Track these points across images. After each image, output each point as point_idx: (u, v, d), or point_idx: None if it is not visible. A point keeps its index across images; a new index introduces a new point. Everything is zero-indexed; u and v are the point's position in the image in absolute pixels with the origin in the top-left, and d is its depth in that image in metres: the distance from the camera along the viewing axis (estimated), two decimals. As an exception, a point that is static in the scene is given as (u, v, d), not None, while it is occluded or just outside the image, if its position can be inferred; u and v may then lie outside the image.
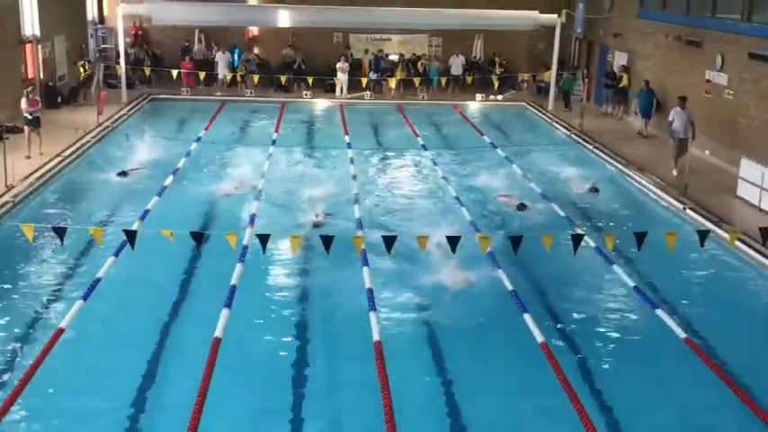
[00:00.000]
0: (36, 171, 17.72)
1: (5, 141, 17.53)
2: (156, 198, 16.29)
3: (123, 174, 18.36)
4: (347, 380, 9.63)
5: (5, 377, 9.39)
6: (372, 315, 10.78)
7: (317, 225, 14.66)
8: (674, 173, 18.67)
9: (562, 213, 16.03)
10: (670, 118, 19.28)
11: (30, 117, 19.28)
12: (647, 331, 11.07)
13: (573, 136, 24.13)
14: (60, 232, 10.41)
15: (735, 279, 13.46)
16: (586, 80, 27.85)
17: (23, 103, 19.38)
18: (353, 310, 11.25)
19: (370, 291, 11.64)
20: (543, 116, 27.63)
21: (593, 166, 20.82)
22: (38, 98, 20.66)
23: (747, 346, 10.86)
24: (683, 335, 10.63)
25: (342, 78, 30.06)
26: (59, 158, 19.12)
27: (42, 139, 19.49)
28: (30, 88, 20.51)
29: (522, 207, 16.33)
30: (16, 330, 10.61)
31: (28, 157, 18.48)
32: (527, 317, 10.94)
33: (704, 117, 20.42)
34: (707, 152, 20.35)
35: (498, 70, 31.15)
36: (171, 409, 8.80)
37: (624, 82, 26.60)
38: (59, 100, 26.08)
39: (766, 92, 18.42)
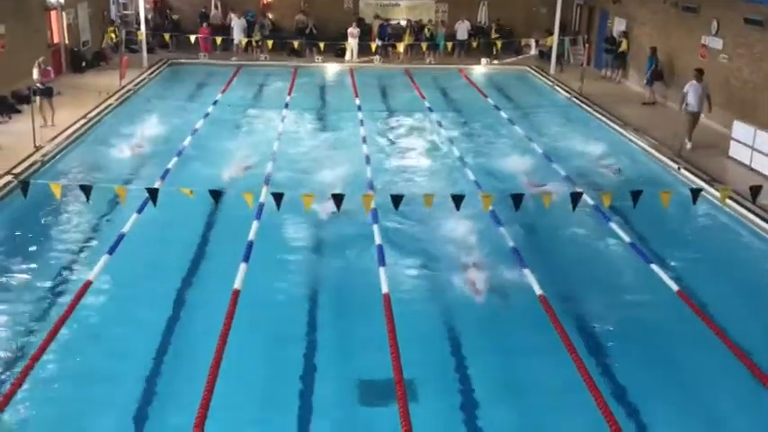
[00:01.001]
0: (63, 132, 17.78)
1: (32, 104, 17.54)
2: (175, 158, 16.32)
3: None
4: (357, 324, 9.81)
5: (36, 326, 9.52)
6: (382, 269, 10.88)
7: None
8: (688, 146, 17.60)
9: (562, 172, 15.98)
10: (685, 90, 17.92)
11: (42, 87, 18.38)
12: (642, 285, 11.13)
13: (573, 99, 23.96)
14: (87, 190, 10.45)
15: (725, 235, 13.48)
16: (587, 45, 27.57)
17: (35, 73, 18.63)
18: (364, 264, 11.34)
19: (380, 247, 11.71)
20: (545, 79, 27.39)
21: (591, 127, 20.73)
22: (50, 68, 19.78)
23: (735, 297, 10.91)
24: (675, 287, 10.68)
25: (352, 43, 29.87)
26: (84, 120, 19.14)
27: (55, 110, 18.55)
28: (41, 58, 19.50)
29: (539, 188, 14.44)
30: (47, 283, 10.74)
31: (42, 126, 17.56)
32: (526, 271, 11.01)
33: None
34: (701, 114, 20.19)
35: (494, 35, 30.78)
36: (192, 353, 8.97)
37: (623, 47, 26.31)
38: (83, 64, 26.05)
39: (760, 56, 18.23)
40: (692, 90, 17.72)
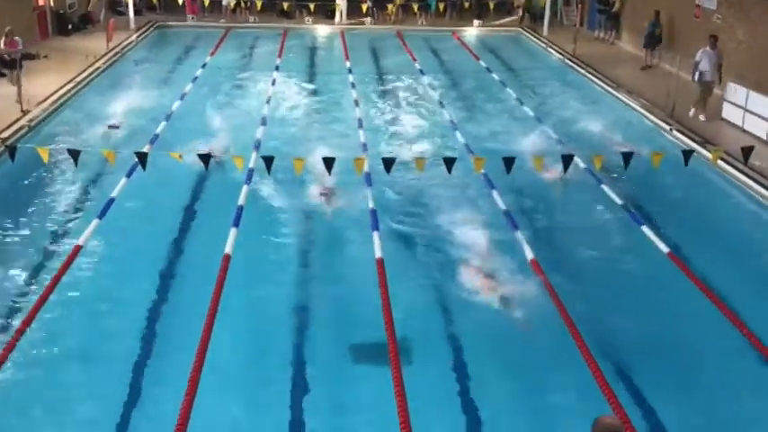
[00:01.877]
0: (51, 96, 17.61)
1: (21, 70, 17.32)
2: (164, 123, 16.21)
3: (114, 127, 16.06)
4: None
5: (31, 288, 9.52)
6: (375, 234, 10.91)
7: (324, 194, 12.51)
8: (702, 118, 16.83)
9: (554, 136, 15.96)
10: (697, 58, 16.81)
11: (8, 58, 17.36)
12: (633, 246, 11.16)
13: (566, 60, 23.82)
14: (74, 154, 10.38)
15: (717, 196, 13.52)
16: (580, 5, 27.34)
17: (1, 43, 17.70)
18: (358, 229, 11.36)
19: (374, 211, 11.72)
20: (537, 41, 27.20)
21: (583, 89, 20.66)
22: (17, 38, 18.04)
23: (726, 258, 10.95)
24: (666, 249, 10.74)
25: (341, 4, 29.54)
26: (72, 84, 18.95)
27: (23, 86, 16.67)
28: (8, 28, 17.83)
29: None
30: (38, 247, 10.71)
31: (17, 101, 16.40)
32: (518, 234, 11.04)
33: (693, 42, 20.09)
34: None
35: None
36: (183, 314, 9.03)
37: (617, 7, 26.09)
38: (70, 27, 25.72)
39: (754, 17, 18.11)
40: (705, 57, 16.71)
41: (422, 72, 22.05)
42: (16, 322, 8.61)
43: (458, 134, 16.02)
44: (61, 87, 18.47)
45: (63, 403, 7.54)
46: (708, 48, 16.74)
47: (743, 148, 10.83)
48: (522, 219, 11.77)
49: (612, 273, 10.44)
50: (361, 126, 16.40)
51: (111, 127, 15.92)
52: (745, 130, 16.04)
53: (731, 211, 12.98)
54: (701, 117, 16.91)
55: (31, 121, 15.87)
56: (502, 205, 12.16)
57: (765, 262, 10.98)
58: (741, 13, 18.64)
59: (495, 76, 21.62)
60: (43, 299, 9.04)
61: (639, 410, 7.48)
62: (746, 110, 16.19)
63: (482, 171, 12.15)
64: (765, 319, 9.03)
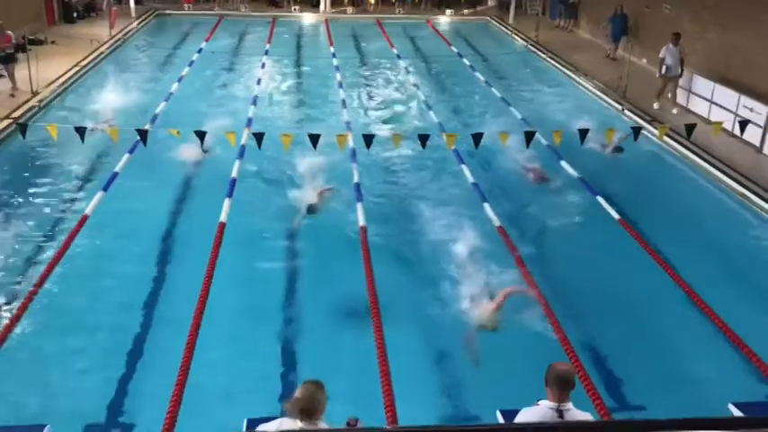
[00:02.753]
0: (58, 79, 17.33)
1: (29, 53, 16.98)
2: (163, 103, 16.01)
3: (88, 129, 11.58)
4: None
5: (40, 257, 9.44)
6: (359, 205, 10.91)
7: (311, 210, 10.97)
8: (674, 111, 16.26)
9: (518, 116, 15.94)
10: (661, 55, 16.25)
11: (2, 54, 15.86)
12: (587, 214, 11.21)
13: (529, 46, 23.75)
14: (81, 132, 10.23)
15: (663, 168, 13.65)
16: (542, -3, 27.26)
17: None
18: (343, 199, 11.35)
19: (357, 185, 11.69)
20: (504, 29, 27.07)
21: (545, 73, 20.64)
22: (9, 32, 16.14)
23: (671, 222, 11.08)
24: (617, 216, 10.83)
25: (326, -6, 29.28)
26: (78, 68, 18.64)
27: (16, 80, 15.87)
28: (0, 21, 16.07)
29: (542, 180, 12.50)
30: (47, 218, 10.62)
31: (11, 95, 15.73)
32: (486, 205, 11.08)
33: (644, 30, 20.14)
34: (644, 60, 20.14)
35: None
36: (183, 278, 8.99)
37: (575, -1, 26.10)
38: (75, 15, 25.26)
39: (698, 7, 18.09)
40: (669, 54, 16.20)
41: (399, 57, 21.89)
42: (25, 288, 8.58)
43: (431, 113, 15.96)
44: (68, 70, 18.19)
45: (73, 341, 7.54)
46: (670, 44, 16.17)
47: (686, 125, 10.89)
48: (488, 192, 11.76)
49: (567, 234, 10.52)
50: (344, 106, 16.28)
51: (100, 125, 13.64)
52: (689, 110, 16.13)
53: (674, 181, 13.10)
54: (674, 111, 16.25)
55: (40, 101, 15.62)
56: (471, 179, 12.16)
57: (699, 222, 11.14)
58: (687, 4, 18.61)
59: (465, 60, 21.51)
60: (53, 263, 8.98)
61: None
62: (691, 91, 16.28)
63: (453, 147, 12.12)
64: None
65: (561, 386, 4.67)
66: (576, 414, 4.71)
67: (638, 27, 19.84)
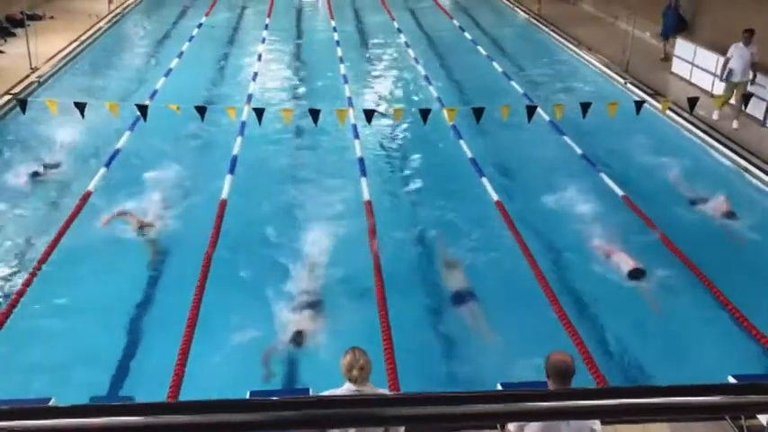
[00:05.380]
0: (58, 54, 17.24)
1: (27, 28, 16.88)
2: (163, 79, 15.95)
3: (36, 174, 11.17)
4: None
5: (45, 232, 9.47)
6: (363, 180, 10.91)
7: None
8: (735, 125, 13.45)
9: (520, 90, 15.85)
10: (728, 54, 13.54)
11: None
12: (593, 191, 11.07)
13: (531, 19, 23.56)
14: (81, 107, 10.21)
15: (665, 142, 13.53)
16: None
17: None
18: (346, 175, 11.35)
19: (361, 159, 11.69)
20: (507, 2, 26.82)
21: (547, 46, 20.49)
22: None
23: (671, 197, 11.04)
24: (620, 192, 10.80)
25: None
26: (77, 43, 18.53)
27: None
28: None
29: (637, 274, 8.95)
30: (51, 194, 10.62)
31: None
32: (484, 180, 11.07)
33: (647, 3, 19.90)
34: (647, 34, 19.99)
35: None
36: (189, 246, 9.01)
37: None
38: (73, -11, 25.03)
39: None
40: (736, 54, 13.43)
41: (399, 30, 21.74)
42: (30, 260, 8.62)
43: (431, 88, 15.89)
44: (68, 45, 18.08)
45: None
46: (741, 43, 13.35)
47: (689, 99, 10.83)
48: (488, 167, 11.74)
49: (570, 211, 10.49)
50: (346, 82, 16.21)
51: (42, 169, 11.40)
52: (692, 83, 16.05)
53: (678, 154, 12.96)
54: (734, 125, 13.49)
55: (40, 77, 15.56)
56: (469, 153, 12.14)
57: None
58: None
59: (467, 34, 21.36)
60: (59, 236, 9.02)
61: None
62: (694, 64, 16.18)
63: (453, 122, 12.11)
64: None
65: (561, 378, 4.70)
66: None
67: (646, 3, 19.51)
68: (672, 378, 6.65)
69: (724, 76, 13.77)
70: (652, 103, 14.00)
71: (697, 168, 12.08)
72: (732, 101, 13.71)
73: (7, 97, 13.94)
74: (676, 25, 17.61)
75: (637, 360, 7.39)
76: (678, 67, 16.81)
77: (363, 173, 11.18)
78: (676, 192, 11.10)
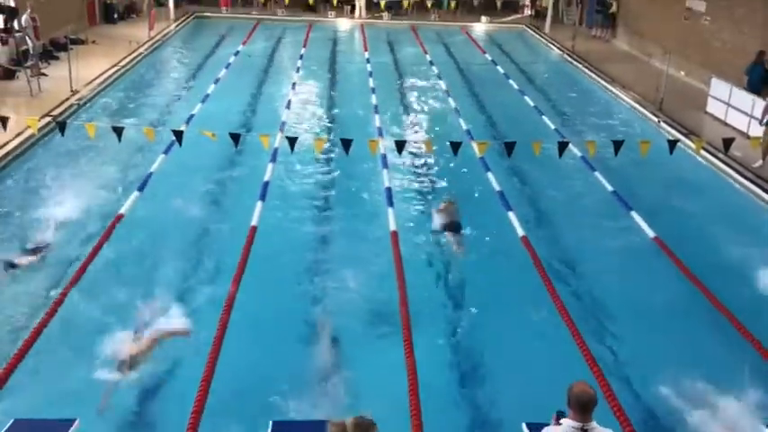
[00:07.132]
0: (97, 78, 17.61)
1: (70, 52, 17.32)
2: (200, 105, 16.18)
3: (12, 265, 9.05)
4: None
5: (77, 253, 9.54)
6: (390, 210, 10.92)
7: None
8: (758, 164, 13.15)
9: (551, 126, 15.80)
10: None
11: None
12: (622, 230, 10.89)
13: (565, 56, 23.57)
14: (118, 131, 10.38)
15: (699, 183, 13.35)
16: (579, 5, 27.06)
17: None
18: (373, 205, 11.35)
19: (389, 189, 11.69)
20: (540, 38, 26.92)
21: (580, 83, 20.45)
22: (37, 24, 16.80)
23: (707, 242, 10.81)
24: (652, 234, 10.62)
25: (361, 0, 29.49)
26: (116, 67, 18.93)
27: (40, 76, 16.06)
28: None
29: None
30: (85, 215, 10.74)
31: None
32: (511, 214, 10.98)
33: (682, 42, 19.86)
34: (682, 73, 19.90)
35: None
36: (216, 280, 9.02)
37: (613, 8, 25.84)
38: (116, 16, 25.70)
39: (739, 18, 17.84)
40: None
41: (432, 63, 21.88)
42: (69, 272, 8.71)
43: (461, 120, 15.90)
44: (108, 69, 18.48)
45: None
46: None
47: (724, 140, 10.67)
48: (514, 199, 11.67)
49: (600, 250, 10.35)
50: (376, 111, 16.31)
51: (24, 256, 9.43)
52: (727, 124, 15.85)
53: (710, 196, 12.80)
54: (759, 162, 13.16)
55: (79, 100, 15.89)
56: (497, 186, 12.07)
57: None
58: (727, 15, 18.32)
59: (499, 68, 21.42)
60: (91, 257, 9.11)
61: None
62: (729, 104, 15.99)
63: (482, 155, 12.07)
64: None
65: (583, 409, 4.67)
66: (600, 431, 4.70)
67: (681, 41, 19.44)
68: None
69: (764, 120, 13.41)
70: (686, 143, 13.84)
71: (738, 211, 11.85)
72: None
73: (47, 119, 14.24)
74: (763, 81, 15.73)
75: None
76: (713, 106, 16.63)
77: (390, 203, 11.16)
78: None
